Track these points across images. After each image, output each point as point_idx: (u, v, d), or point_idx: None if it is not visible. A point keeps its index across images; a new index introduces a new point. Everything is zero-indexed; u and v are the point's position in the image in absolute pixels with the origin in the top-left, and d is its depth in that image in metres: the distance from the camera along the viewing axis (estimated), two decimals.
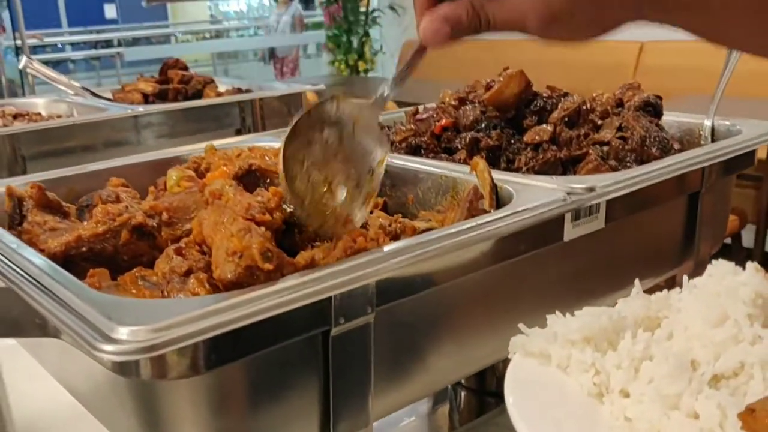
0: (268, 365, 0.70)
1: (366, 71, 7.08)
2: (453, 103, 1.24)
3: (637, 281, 0.74)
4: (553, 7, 0.55)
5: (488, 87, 1.22)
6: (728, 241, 3.33)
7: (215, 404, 0.69)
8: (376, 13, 7.07)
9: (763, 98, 3.65)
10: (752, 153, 1.18)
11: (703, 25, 0.59)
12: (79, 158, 1.79)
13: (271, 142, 1.23)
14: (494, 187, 0.93)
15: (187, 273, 0.70)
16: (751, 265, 0.67)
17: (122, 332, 0.58)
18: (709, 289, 0.66)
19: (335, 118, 0.71)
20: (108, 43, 10.49)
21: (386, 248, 0.73)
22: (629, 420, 0.59)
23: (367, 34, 7.04)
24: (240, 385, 0.70)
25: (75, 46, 10.62)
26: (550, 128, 1.11)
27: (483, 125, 1.15)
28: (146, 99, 2.02)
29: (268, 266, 0.65)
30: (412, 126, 1.19)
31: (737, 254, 3.32)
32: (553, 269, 0.94)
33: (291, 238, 0.79)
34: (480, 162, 0.95)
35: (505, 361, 0.72)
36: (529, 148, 1.10)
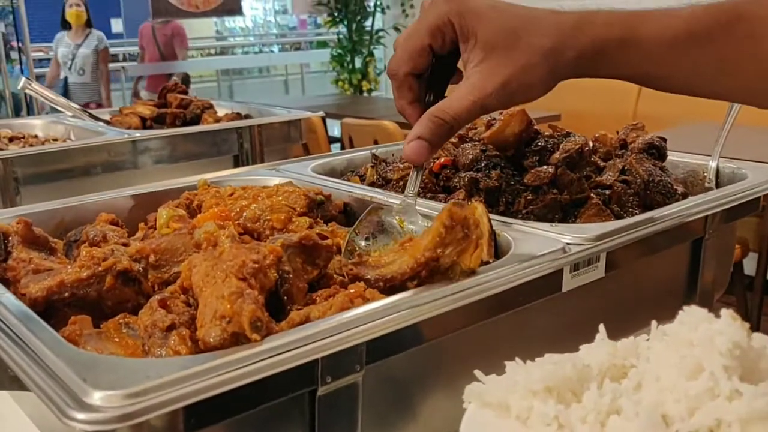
0: (251, 425, 0.67)
1: (369, 91, 7.08)
2: (453, 140, 1.21)
3: (601, 326, 0.70)
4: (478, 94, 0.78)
5: (489, 125, 1.19)
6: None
7: None
8: (380, 34, 7.08)
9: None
10: (757, 200, 1.15)
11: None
12: (75, 182, 1.77)
13: (266, 176, 1.21)
14: (493, 234, 0.90)
15: (170, 328, 0.67)
16: (727, 313, 0.62)
17: (96, 397, 0.55)
18: (681, 337, 0.60)
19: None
20: (114, 57, 10.50)
21: (377, 304, 0.70)
22: None
23: (371, 54, 7.05)
24: None
25: None
26: (551, 170, 1.08)
27: (483, 164, 1.12)
28: (144, 123, 2.00)
29: (256, 337, 0.62)
30: (408, 163, 1.16)
31: (739, 282, 3.29)
32: (549, 318, 0.91)
33: (288, 290, 0.76)
34: (479, 206, 0.92)
35: None
36: (528, 190, 1.08)
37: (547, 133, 1.19)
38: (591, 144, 1.18)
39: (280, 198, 0.96)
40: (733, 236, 1.21)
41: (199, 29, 12.27)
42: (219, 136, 1.90)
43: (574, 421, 0.58)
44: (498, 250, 0.89)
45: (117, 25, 11.41)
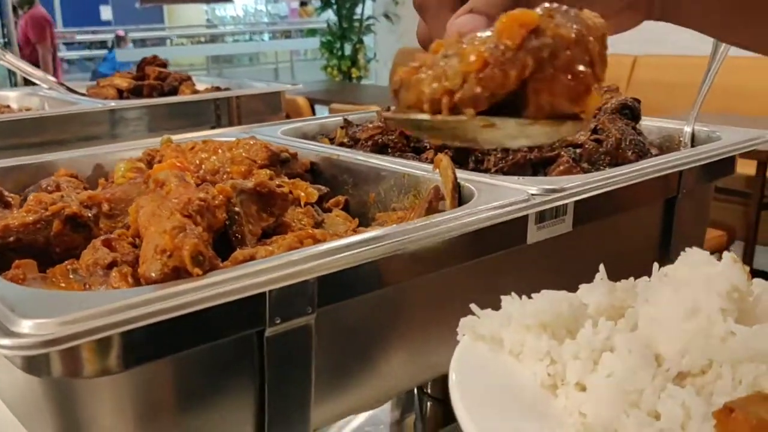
0: (198, 366, 0.65)
1: (359, 78, 7.05)
2: None
3: (602, 266, 0.68)
4: None
5: None
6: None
7: (139, 407, 0.64)
8: (370, 21, 7.04)
9: (742, 114, 3.63)
10: (732, 159, 1.14)
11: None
12: (47, 153, 1.74)
13: (229, 137, 1.18)
14: (457, 186, 0.88)
15: (111, 265, 0.65)
16: (728, 255, 0.61)
17: (25, 325, 0.53)
18: (680, 278, 0.60)
19: None
20: (103, 44, 10.46)
21: (330, 244, 0.68)
22: (584, 416, 0.53)
23: (360, 41, 7.01)
24: (167, 387, 0.65)
25: (69, 46, 10.58)
26: None
27: None
28: (121, 94, 1.96)
29: (198, 271, 0.60)
30: (380, 124, 1.14)
31: None
32: (516, 274, 0.89)
33: (237, 231, 0.74)
34: (444, 159, 0.90)
35: None
36: (498, 149, 1.05)
37: None
38: None
39: (241, 150, 0.93)
40: (707, 200, 1.19)
41: (189, 17, 12.22)
42: (196, 107, 1.86)
43: (566, 356, 0.57)
44: (462, 202, 0.87)
45: (106, 12, 11.34)
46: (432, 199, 0.82)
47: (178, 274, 0.61)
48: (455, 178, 0.88)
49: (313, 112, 5.02)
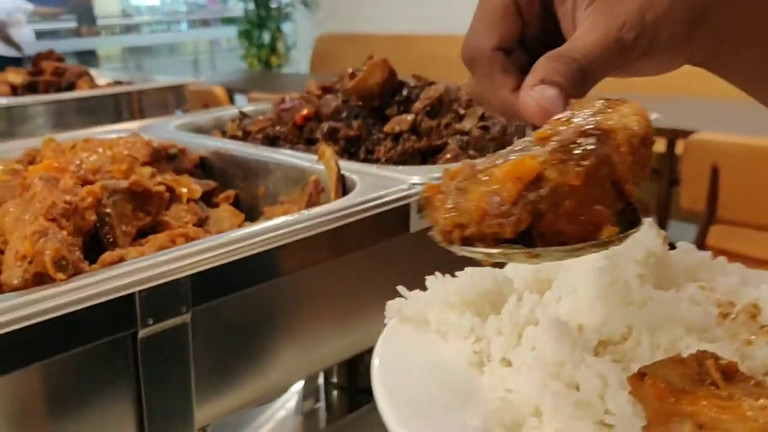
0: (73, 370, 0.64)
1: (279, 66, 6.97)
2: (317, 92, 1.19)
3: None
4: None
5: (352, 76, 1.18)
6: None
7: (14, 415, 0.63)
8: (287, 9, 6.97)
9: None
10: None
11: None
12: None
13: (120, 133, 1.16)
14: (341, 178, 0.89)
15: None
16: (646, 221, 0.63)
17: None
18: None
19: None
20: None
21: (201, 243, 0.68)
22: (509, 391, 0.53)
23: (279, 29, 6.93)
24: (40, 393, 0.64)
25: None
26: (410, 118, 1.08)
27: (344, 115, 1.11)
28: (15, 91, 1.90)
29: (61, 276, 0.59)
30: (271, 116, 1.14)
31: None
32: (403, 261, 0.91)
33: (109, 232, 0.73)
34: (327, 150, 0.91)
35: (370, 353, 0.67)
36: (389, 138, 1.07)
37: (412, 83, 1.18)
38: (453, 93, 1.18)
39: (122, 148, 0.92)
40: None
41: (103, 7, 11.83)
42: (95, 103, 1.82)
43: (490, 333, 0.57)
44: (346, 193, 0.88)
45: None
46: (312, 192, 0.83)
47: (41, 279, 0.60)
48: (339, 169, 0.89)
49: (232, 103, 4.94)
